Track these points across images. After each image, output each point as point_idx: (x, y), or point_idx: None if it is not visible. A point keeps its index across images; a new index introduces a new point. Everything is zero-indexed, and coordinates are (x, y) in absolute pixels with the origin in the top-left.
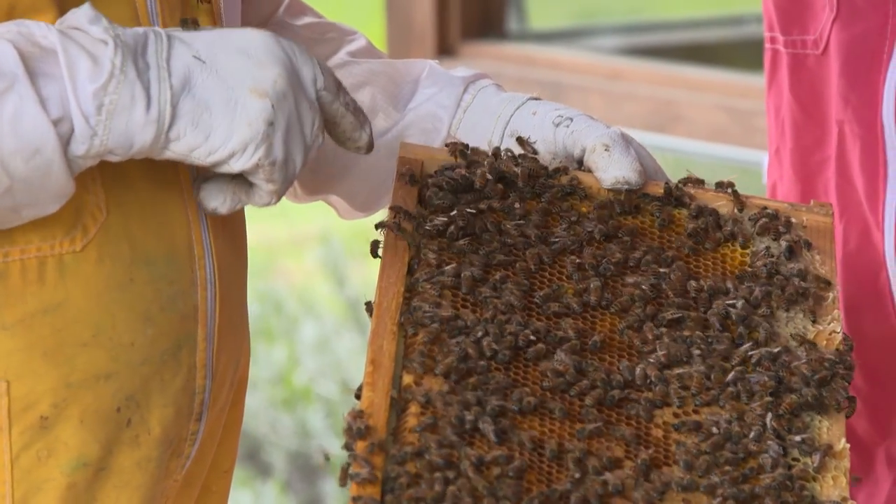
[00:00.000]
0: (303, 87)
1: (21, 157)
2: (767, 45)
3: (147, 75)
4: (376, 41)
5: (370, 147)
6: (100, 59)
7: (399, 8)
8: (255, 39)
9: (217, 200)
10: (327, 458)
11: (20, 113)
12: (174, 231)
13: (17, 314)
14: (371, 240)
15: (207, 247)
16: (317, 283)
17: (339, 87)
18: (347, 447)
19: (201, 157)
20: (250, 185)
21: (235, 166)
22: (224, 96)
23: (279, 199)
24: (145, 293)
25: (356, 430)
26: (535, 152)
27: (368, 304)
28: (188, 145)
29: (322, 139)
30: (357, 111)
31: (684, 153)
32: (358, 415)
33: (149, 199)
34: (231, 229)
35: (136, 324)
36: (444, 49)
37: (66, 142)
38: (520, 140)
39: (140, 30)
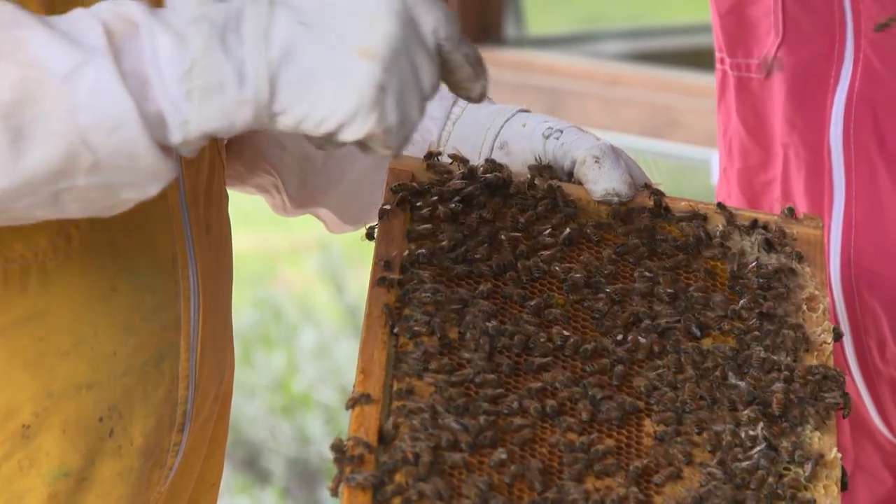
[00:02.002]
0: (421, 38)
1: (102, 132)
2: (718, 66)
3: (240, 52)
4: None
5: (481, 97)
6: (185, 41)
7: None
8: None
9: (331, 147)
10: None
11: (98, 87)
12: (158, 242)
13: None
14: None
15: (191, 258)
16: (316, 290)
17: (459, 38)
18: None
19: (310, 128)
20: None
21: (347, 136)
22: (330, 63)
23: (398, 153)
24: (128, 303)
25: (356, 444)
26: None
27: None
28: (294, 118)
29: (435, 90)
30: (477, 63)
31: (681, 158)
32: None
33: (133, 210)
34: (216, 241)
35: (118, 334)
36: None
37: (157, 123)
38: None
39: (237, 4)
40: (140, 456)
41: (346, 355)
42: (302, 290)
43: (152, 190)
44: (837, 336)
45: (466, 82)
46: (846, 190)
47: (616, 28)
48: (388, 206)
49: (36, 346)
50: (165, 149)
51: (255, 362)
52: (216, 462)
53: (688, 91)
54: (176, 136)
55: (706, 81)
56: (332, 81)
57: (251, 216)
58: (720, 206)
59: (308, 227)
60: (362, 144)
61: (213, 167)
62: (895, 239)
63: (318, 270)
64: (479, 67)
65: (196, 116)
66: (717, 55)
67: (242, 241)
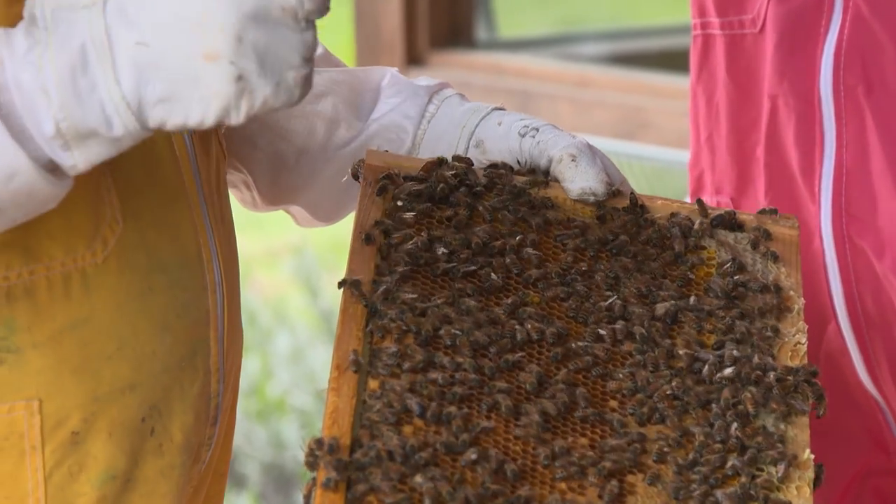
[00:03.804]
0: (269, 11)
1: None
2: (697, 32)
3: (96, 97)
4: (345, 51)
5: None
6: (47, 94)
7: (367, 17)
8: None
9: None
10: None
11: None
12: (184, 237)
13: (47, 331)
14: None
15: (214, 251)
16: (290, 295)
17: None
18: (310, 466)
19: (194, 128)
20: None
21: (233, 123)
22: (182, 76)
23: (304, 97)
24: (163, 301)
25: (329, 445)
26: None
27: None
28: (175, 126)
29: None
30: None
31: (652, 160)
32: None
33: (159, 207)
34: (228, 230)
35: (156, 332)
36: (413, 58)
37: (48, 165)
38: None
39: (76, 42)
40: (181, 453)
41: (321, 360)
42: (276, 296)
43: (50, 207)
44: (814, 372)
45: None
46: (837, 138)
47: (589, 30)
48: (361, 167)
49: (82, 351)
50: (58, 172)
51: None
52: (226, 451)
53: (658, 93)
54: (70, 173)
55: (677, 83)
56: (191, 91)
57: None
58: (699, 202)
59: (283, 231)
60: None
61: (218, 159)
62: (882, 185)
63: (293, 275)
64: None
65: (81, 160)
66: (697, 21)
67: None
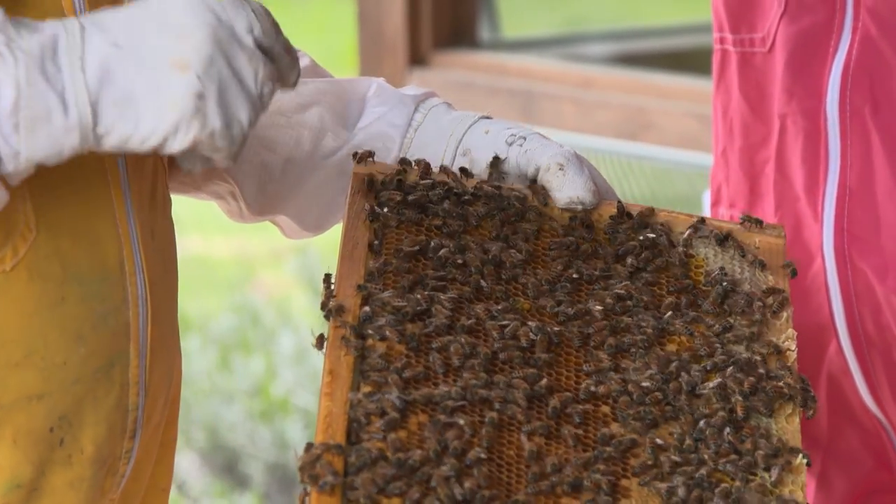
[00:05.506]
0: (237, 39)
1: None
2: (717, 46)
3: (59, 80)
4: (349, 51)
5: (295, 84)
6: (4, 77)
7: (371, 18)
8: (175, 6)
9: (190, 163)
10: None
11: None
12: (105, 248)
13: None
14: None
15: (138, 263)
16: (294, 295)
17: (276, 29)
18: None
19: (136, 145)
20: None
21: (175, 147)
22: (145, 80)
23: (236, 158)
24: (77, 312)
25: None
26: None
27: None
28: (120, 137)
29: (273, 85)
30: (290, 51)
31: (655, 161)
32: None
33: (79, 217)
34: (161, 246)
35: (68, 343)
36: (416, 58)
37: None
38: (462, 170)
39: (49, 28)
40: (92, 465)
41: None
42: (280, 295)
43: None
44: (807, 401)
45: (285, 71)
46: (841, 158)
47: (593, 31)
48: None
49: None
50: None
51: (234, 367)
52: (166, 466)
53: (662, 93)
54: (7, 168)
55: (680, 83)
56: (150, 98)
57: (228, 222)
58: (689, 212)
59: None
60: (204, 159)
61: (156, 171)
62: (886, 206)
63: (297, 275)
64: (292, 54)
65: (26, 148)
66: (717, 35)
67: (220, 246)
